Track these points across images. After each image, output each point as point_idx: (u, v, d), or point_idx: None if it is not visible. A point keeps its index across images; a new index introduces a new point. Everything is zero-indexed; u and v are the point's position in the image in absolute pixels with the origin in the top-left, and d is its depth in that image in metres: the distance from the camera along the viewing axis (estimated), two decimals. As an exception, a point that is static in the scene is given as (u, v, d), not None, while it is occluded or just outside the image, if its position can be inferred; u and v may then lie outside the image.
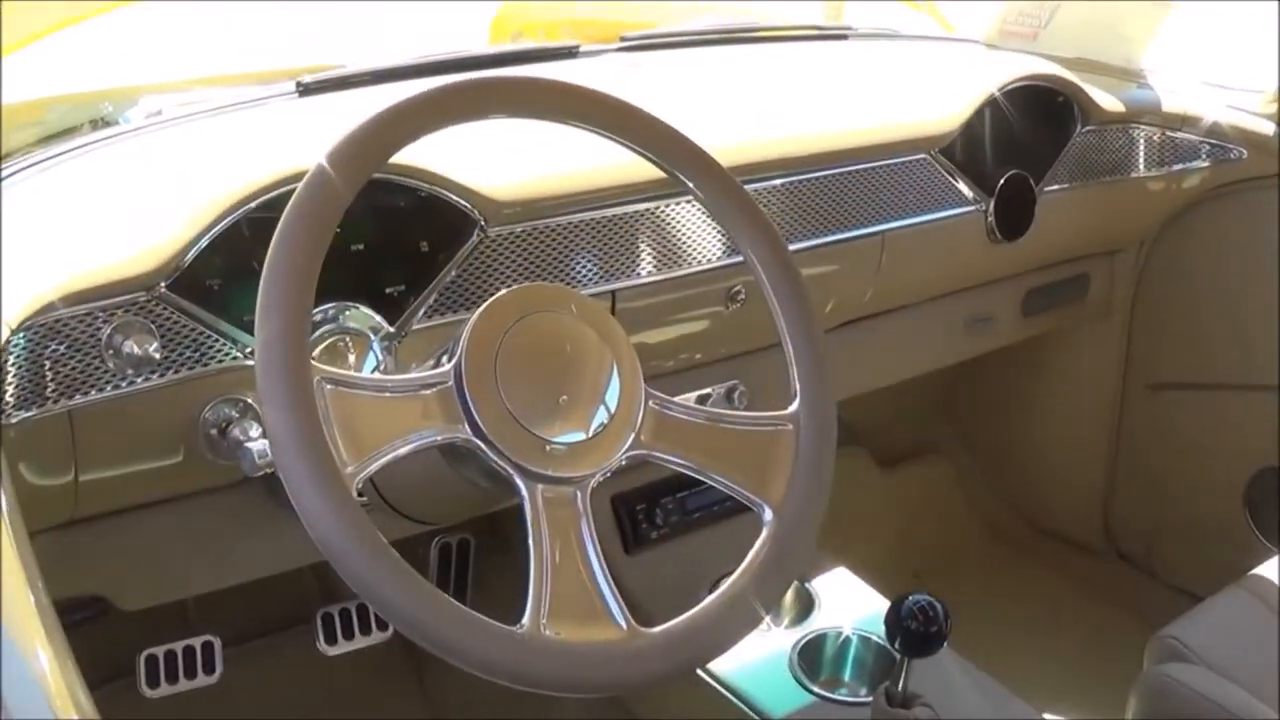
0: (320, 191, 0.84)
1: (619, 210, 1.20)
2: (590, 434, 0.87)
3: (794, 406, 0.96)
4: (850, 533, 1.66)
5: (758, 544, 0.90)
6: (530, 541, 0.83)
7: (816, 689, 1.24)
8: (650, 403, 0.91)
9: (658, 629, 0.84)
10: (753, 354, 1.42)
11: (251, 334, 0.97)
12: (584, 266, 1.19)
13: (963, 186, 1.54)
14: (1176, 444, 1.98)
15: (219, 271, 0.98)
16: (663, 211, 1.23)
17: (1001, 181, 1.57)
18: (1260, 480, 1.86)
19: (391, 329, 1.07)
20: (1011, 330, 1.85)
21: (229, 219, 0.98)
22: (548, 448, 0.85)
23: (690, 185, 1.01)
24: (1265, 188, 1.78)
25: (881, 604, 1.34)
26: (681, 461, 0.92)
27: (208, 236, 0.97)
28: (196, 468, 1.03)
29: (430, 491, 1.01)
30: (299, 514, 0.75)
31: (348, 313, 1.06)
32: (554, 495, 0.84)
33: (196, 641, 1.33)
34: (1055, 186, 1.66)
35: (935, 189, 1.51)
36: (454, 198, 1.09)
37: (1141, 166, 1.78)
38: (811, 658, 1.29)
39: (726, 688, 1.24)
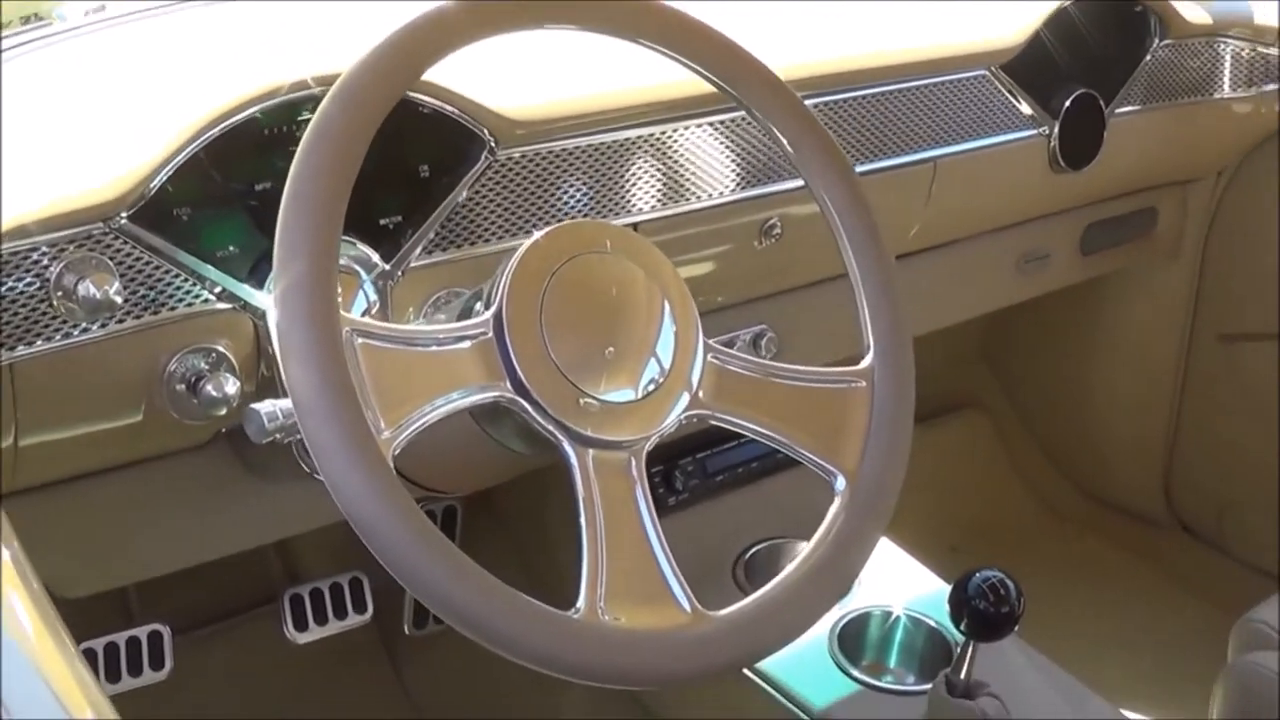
0: (351, 110, 0.82)
1: (643, 132, 1.19)
2: (640, 393, 0.87)
3: (867, 361, 0.97)
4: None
5: (830, 514, 0.92)
6: (581, 514, 0.83)
7: (859, 675, 1.24)
8: (710, 356, 0.91)
9: (726, 611, 0.85)
10: (782, 295, 1.42)
11: (227, 272, 0.98)
12: (605, 196, 1.18)
13: (1025, 107, 1.53)
14: (1250, 402, 1.97)
15: (189, 199, 0.96)
16: (693, 133, 1.22)
17: (1068, 102, 1.56)
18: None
19: (386, 266, 1.05)
20: (1068, 271, 1.84)
21: (204, 138, 0.95)
22: (597, 407, 0.85)
23: (749, 106, 1.00)
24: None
25: (928, 580, 1.35)
26: (745, 424, 0.92)
27: (179, 158, 0.94)
28: (158, 429, 1.01)
29: (453, 457, 1.00)
30: (329, 487, 0.75)
31: None
32: (605, 461, 0.84)
33: (142, 631, 1.30)
34: (1127, 108, 1.66)
35: (994, 110, 1.50)
36: (461, 115, 1.07)
37: (1226, 86, 1.77)
38: (853, 641, 1.28)
39: (758, 674, 1.23)
